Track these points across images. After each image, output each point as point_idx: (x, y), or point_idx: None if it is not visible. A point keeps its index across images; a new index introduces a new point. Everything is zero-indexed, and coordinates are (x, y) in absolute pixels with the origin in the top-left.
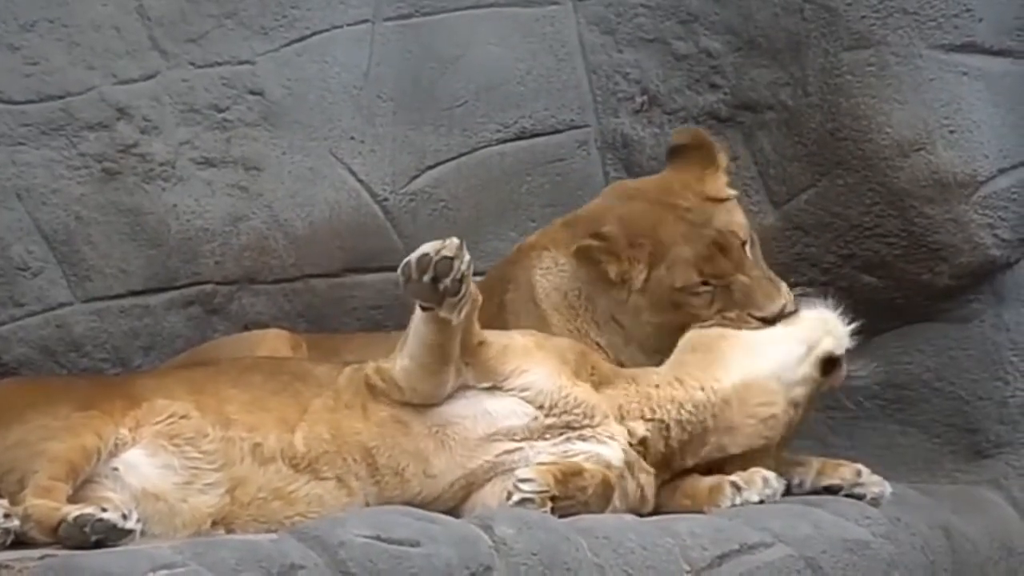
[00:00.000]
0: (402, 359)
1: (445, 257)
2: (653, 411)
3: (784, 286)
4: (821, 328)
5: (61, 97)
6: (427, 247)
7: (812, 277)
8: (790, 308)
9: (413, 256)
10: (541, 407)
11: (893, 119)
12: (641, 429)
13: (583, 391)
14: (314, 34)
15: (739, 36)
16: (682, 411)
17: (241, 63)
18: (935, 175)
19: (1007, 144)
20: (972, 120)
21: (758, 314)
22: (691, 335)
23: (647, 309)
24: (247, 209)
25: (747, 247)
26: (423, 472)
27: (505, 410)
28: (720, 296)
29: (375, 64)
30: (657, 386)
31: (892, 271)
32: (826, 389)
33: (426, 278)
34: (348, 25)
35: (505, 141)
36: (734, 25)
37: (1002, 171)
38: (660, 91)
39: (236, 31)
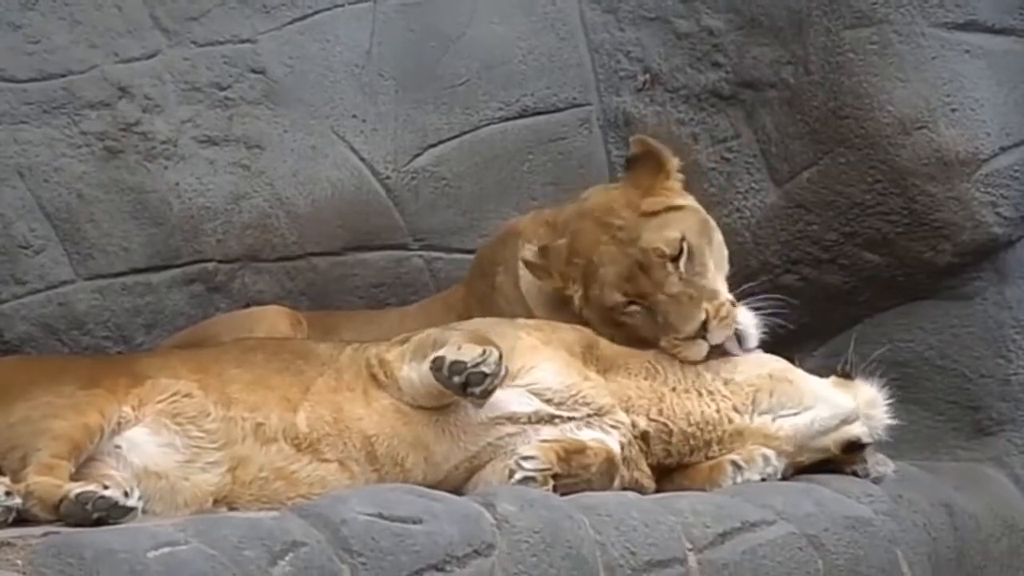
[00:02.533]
0: (410, 370)
1: (482, 372)
2: (660, 412)
3: (708, 304)
4: (864, 408)
5: (63, 75)
6: (466, 355)
7: (814, 254)
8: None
9: (449, 356)
10: (549, 401)
11: (895, 97)
12: (643, 423)
13: (592, 386)
14: (316, 12)
15: (741, 14)
16: (690, 424)
17: (243, 41)
18: (937, 153)
19: (1009, 122)
20: (974, 98)
21: (680, 336)
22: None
23: (599, 325)
24: (249, 187)
25: (677, 262)
26: (424, 460)
27: (510, 398)
28: (650, 320)
29: (377, 42)
30: (674, 389)
31: (894, 249)
32: (836, 463)
33: (456, 380)
34: (350, 3)
35: (507, 119)
36: (736, 3)
37: (1004, 149)
38: (662, 69)
39: (238, 9)
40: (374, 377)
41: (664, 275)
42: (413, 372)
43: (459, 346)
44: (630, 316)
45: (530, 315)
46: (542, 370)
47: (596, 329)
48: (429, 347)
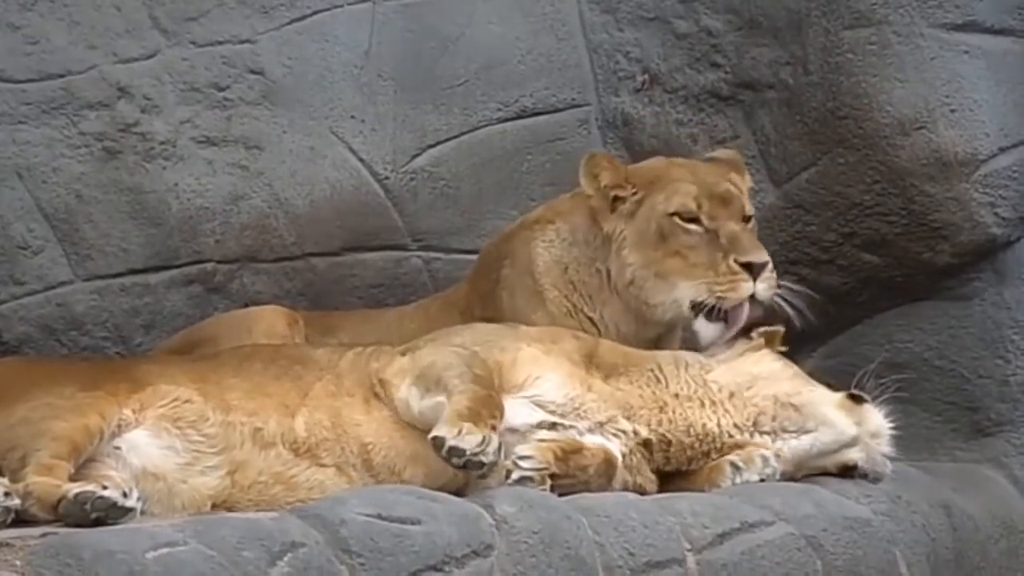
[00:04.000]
0: (408, 395)
1: (480, 461)
2: (660, 422)
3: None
4: (866, 438)
5: (62, 76)
6: (466, 443)
7: (813, 255)
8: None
9: (449, 441)
10: (552, 412)
11: (894, 98)
12: (644, 431)
13: (595, 398)
14: (315, 13)
15: (740, 15)
16: (691, 432)
17: (242, 42)
18: (936, 154)
19: (1008, 123)
20: (973, 99)
21: (743, 259)
22: (767, 355)
23: (632, 244)
24: (248, 188)
25: (749, 221)
26: (423, 474)
27: (514, 410)
28: (707, 244)
29: (376, 43)
30: (676, 395)
31: (893, 249)
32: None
33: (455, 462)
34: (349, 4)
35: (506, 120)
36: (734, 4)
37: (1003, 150)
38: (661, 70)
39: (236, 10)
40: (376, 395)
41: (741, 209)
42: (412, 401)
43: (459, 429)
44: (687, 233)
45: (534, 305)
46: (546, 381)
47: (625, 250)
48: (432, 382)
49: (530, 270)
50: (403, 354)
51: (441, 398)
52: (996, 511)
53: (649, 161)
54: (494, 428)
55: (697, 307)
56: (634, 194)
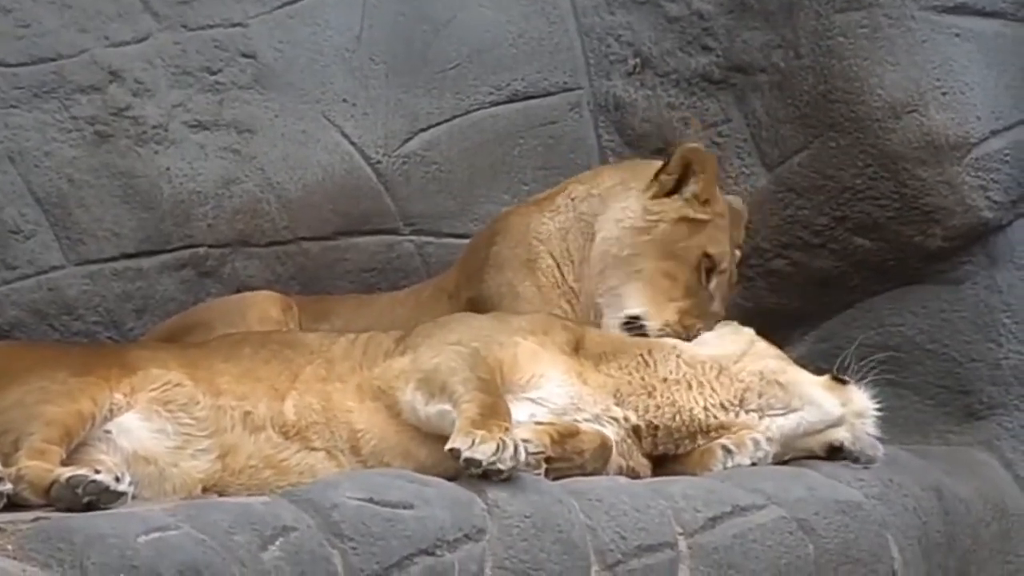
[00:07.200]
0: (414, 400)
1: (498, 469)
2: (647, 409)
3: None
4: (851, 417)
5: (53, 60)
6: (480, 453)
7: (805, 239)
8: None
9: (464, 452)
10: (552, 411)
11: (885, 81)
12: (633, 418)
13: (591, 392)
14: None
15: None
16: (677, 418)
17: (233, 25)
18: (927, 137)
19: (999, 106)
20: (964, 82)
21: (697, 329)
22: (750, 333)
23: (658, 236)
24: (240, 172)
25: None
26: (412, 469)
27: (515, 410)
28: (699, 298)
29: (367, 27)
30: (664, 380)
31: (885, 233)
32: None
33: (474, 471)
34: None
35: (498, 104)
36: None
37: (994, 133)
38: (652, 53)
39: None
40: (377, 398)
41: (725, 295)
42: (418, 405)
43: (473, 439)
44: (696, 270)
45: (522, 275)
46: (548, 380)
47: (643, 235)
48: (437, 388)
49: (526, 240)
50: (402, 353)
51: (447, 406)
52: (988, 494)
53: (730, 198)
54: (506, 431)
55: (632, 323)
56: (704, 208)
